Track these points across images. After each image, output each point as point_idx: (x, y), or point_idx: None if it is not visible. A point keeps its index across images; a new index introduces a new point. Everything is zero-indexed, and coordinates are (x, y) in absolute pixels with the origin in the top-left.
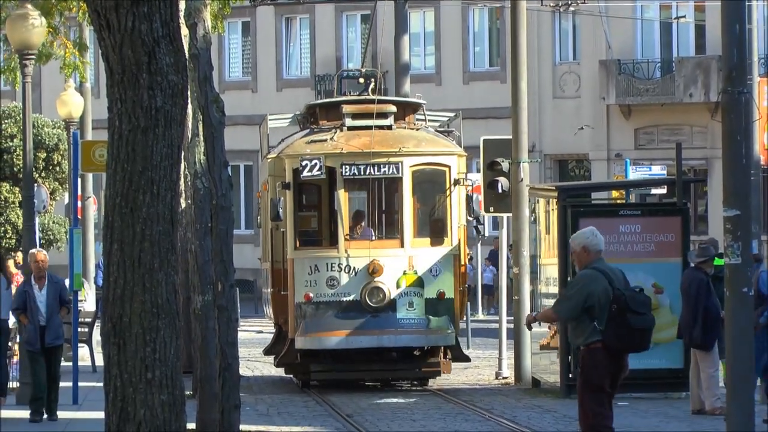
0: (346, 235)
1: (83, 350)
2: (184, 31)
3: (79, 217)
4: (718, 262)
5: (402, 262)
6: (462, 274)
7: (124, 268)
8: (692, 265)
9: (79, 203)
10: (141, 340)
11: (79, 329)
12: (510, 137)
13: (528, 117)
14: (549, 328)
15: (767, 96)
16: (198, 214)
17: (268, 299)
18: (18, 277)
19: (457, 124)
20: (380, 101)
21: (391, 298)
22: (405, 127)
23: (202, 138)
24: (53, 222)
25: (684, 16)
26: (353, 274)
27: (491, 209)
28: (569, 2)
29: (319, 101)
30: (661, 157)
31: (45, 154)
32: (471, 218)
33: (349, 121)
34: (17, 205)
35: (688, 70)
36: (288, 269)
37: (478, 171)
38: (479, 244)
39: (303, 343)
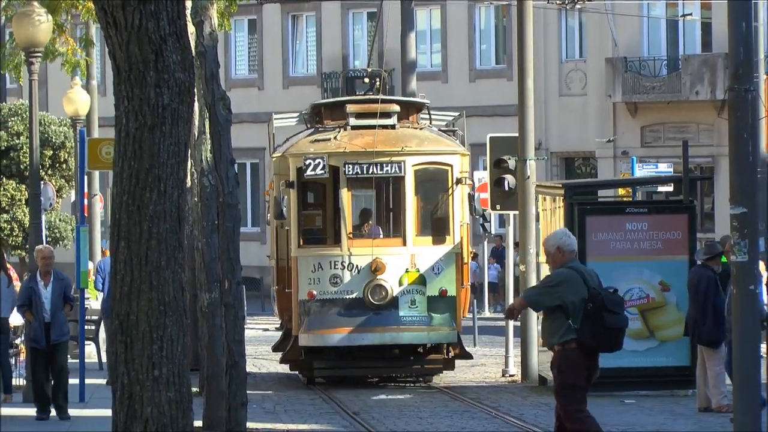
0: (349, 233)
1: (90, 347)
2: (191, 28)
3: (86, 214)
4: (725, 259)
5: (404, 260)
6: (464, 272)
7: (131, 266)
8: (699, 262)
9: (86, 201)
10: (148, 337)
11: (86, 327)
12: (516, 135)
13: (534, 115)
14: None
15: None
16: (205, 211)
17: (274, 296)
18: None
19: (461, 124)
20: (384, 101)
21: (394, 295)
22: (409, 127)
23: (208, 135)
24: (60, 220)
25: (690, 14)
26: (356, 272)
27: (498, 207)
28: (575, 0)
29: (324, 101)
30: (667, 155)
31: (51, 152)
32: (477, 217)
33: (352, 121)
34: (24, 202)
35: (694, 67)
36: (292, 267)
37: (485, 169)
38: (486, 242)
39: (306, 340)
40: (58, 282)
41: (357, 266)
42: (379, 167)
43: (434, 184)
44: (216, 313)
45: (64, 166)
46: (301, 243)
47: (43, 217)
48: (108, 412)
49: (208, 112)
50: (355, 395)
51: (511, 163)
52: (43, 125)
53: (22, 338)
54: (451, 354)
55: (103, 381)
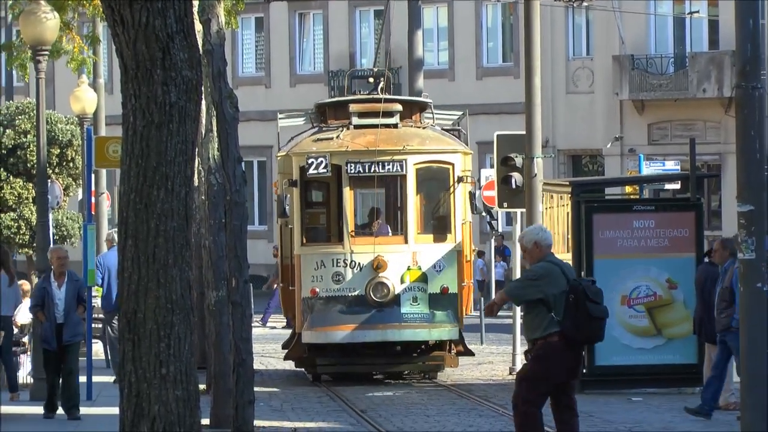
0: (352, 231)
1: (97, 346)
2: (198, 26)
3: (93, 213)
4: None
5: (406, 258)
6: (466, 270)
7: (138, 264)
8: (706, 260)
9: (93, 199)
10: (155, 335)
11: (94, 325)
12: (523, 133)
13: (541, 112)
14: None
15: None
16: (212, 209)
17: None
18: None
19: (464, 123)
20: (386, 100)
21: (395, 293)
22: (411, 126)
23: (215, 134)
24: (67, 218)
25: (697, 12)
26: (358, 269)
27: (505, 204)
28: None
29: (328, 100)
30: (674, 153)
31: (59, 150)
32: (483, 215)
33: (355, 120)
34: (31, 201)
35: (701, 65)
36: (295, 265)
37: (492, 166)
38: (492, 240)
39: (309, 337)
40: (72, 283)
41: (359, 264)
42: (380, 166)
43: (436, 182)
44: (223, 311)
45: (71, 164)
46: (304, 241)
47: (51, 216)
48: (115, 410)
49: (216, 110)
50: (362, 393)
51: (518, 160)
52: (50, 123)
53: (29, 337)
54: (453, 351)
55: (111, 379)
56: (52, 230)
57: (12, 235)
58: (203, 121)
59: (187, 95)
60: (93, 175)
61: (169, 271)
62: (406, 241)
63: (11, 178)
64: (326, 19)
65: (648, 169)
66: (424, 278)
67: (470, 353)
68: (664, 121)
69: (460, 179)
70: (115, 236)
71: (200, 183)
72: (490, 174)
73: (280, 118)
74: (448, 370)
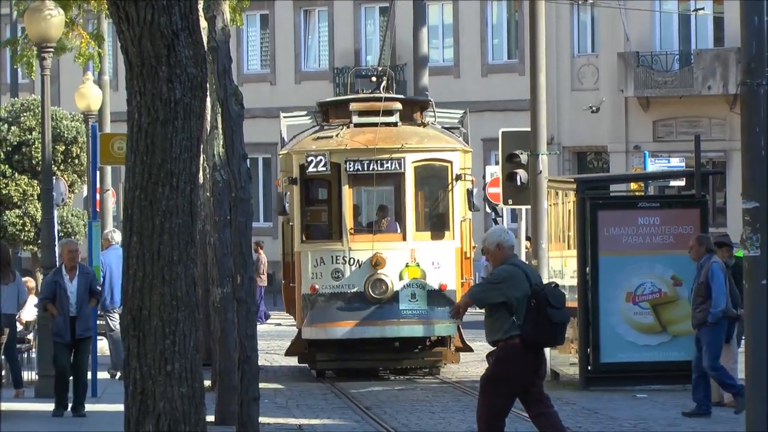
0: (351, 228)
1: (102, 342)
2: (203, 23)
3: (98, 209)
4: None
5: (404, 255)
6: (465, 267)
7: (143, 261)
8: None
9: (98, 196)
10: (160, 332)
11: (99, 322)
12: (528, 129)
13: (546, 109)
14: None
15: None
16: (217, 206)
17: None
18: None
19: (466, 121)
20: (387, 99)
21: (394, 289)
22: (411, 125)
23: (221, 131)
24: (72, 215)
25: (703, 9)
26: (357, 266)
27: (510, 201)
28: None
29: (329, 99)
30: (679, 150)
31: (64, 147)
32: (489, 211)
33: (355, 119)
34: (36, 198)
35: (706, 62)
36: (295, 262)
37: (497, 163)
38: None
39: (309, 333)
40: (83, 276)
41: (358, 261)
42: (379, 164)
43: (434, 180)
44: (228, 307)
45: (76, 161)
46: (304, 238)
47: (56, 213)
48: (120, 407)
49: (221, 107)
50: (367, 390)
51: (523, 157)
52: (55, 120)
53: (34, 334)
54: (452, 347)
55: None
56: (56, 227)
57: (17, 232)
58: (208, 118)
59: (192, 92)
60: (98, 172)
61: (174, 268)
62: (404, 239)
63: (16, 175)
64: (331, 16)
65: (653, 166)
66: (422, 275)
67: (469, 349)
68: (669, 118)
69: (458, 177)
70: (112, 236)
71: (205, 180)
72: (495, 171)
73: (283, 116)
74: (453, 367)
